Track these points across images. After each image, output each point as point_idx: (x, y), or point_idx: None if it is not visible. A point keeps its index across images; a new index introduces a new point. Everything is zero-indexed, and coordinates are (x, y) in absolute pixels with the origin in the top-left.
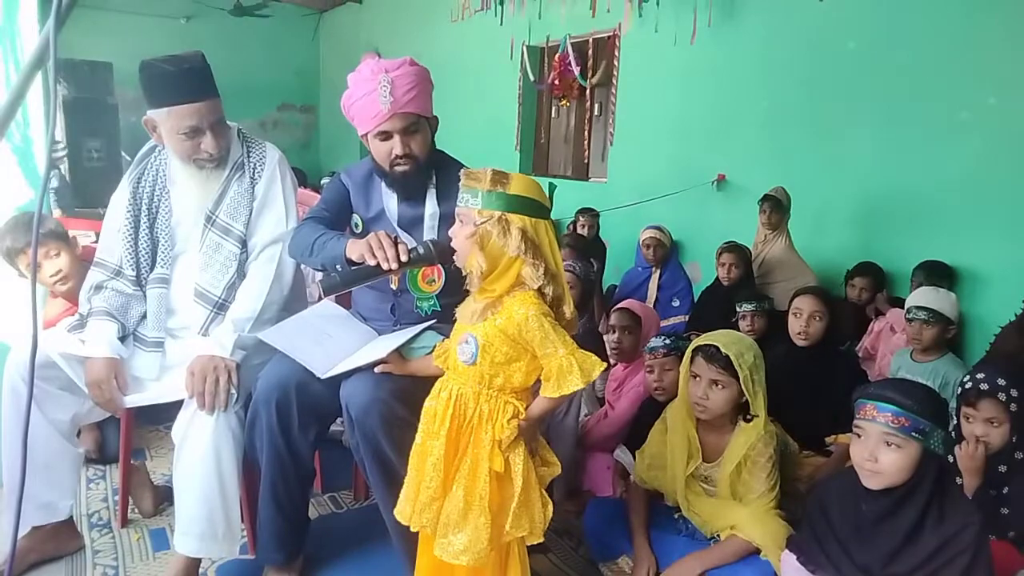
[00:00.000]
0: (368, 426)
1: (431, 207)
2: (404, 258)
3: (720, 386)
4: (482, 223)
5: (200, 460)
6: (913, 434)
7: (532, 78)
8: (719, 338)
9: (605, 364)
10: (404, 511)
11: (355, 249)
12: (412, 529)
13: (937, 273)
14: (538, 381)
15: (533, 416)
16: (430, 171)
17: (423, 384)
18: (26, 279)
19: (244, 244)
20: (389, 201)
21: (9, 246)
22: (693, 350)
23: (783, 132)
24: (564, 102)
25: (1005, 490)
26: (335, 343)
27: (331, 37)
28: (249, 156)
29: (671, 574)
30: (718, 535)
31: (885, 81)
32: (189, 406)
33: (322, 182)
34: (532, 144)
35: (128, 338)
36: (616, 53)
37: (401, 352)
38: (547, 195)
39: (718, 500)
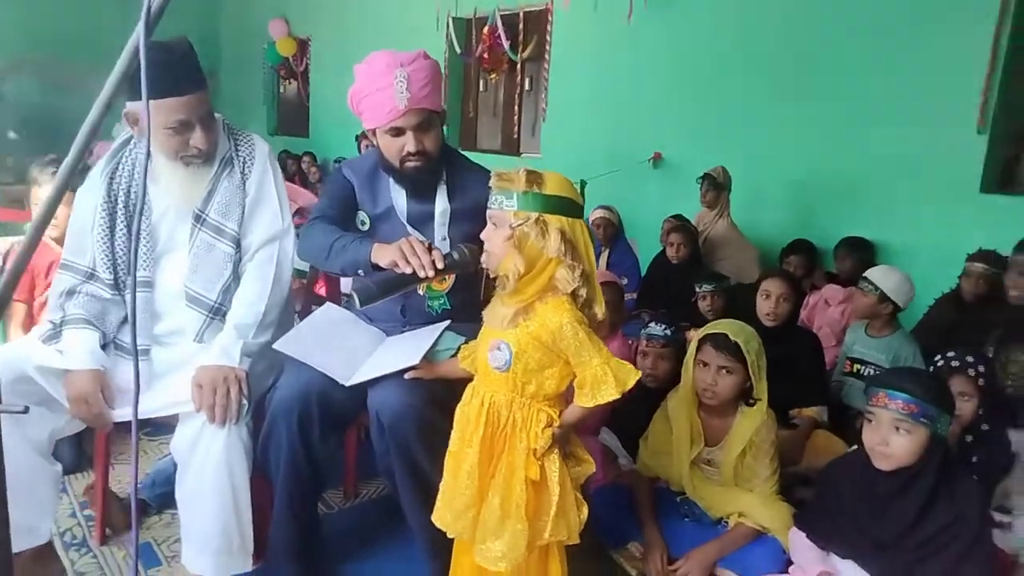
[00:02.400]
0: (402, 434)
1: (442, 204)
2: (440, 265)
3: (728, 372)
4: (519, 225)
5: (212, 476)
6: (922, 420)
7: (459, 51)
8: (726, 327)
9: (640, 373)
10: (443, 517)
11: (384, 255)
12: (449, 535)
13: (858, 247)
14: (570, 386)
15: (567, 424)
16: (440, 167)
17: (453, 388)
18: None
19: (238, 244)
20: (398, 198)
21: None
22: (701, 339)
23: (719, 111)
24: (493, 76)
25: (973, 459)
26: (351, 348)
27: (232, 1)
28: (237, 150)
29: (688, 563)
30: (724, 520)
31: (817, 63)
32: (191, 420)
33: None
34: (460, 118)
35: (109, 346)
36: (548, 28)
37: (426, 356)
38: (579, 193)
39: (723, 485)
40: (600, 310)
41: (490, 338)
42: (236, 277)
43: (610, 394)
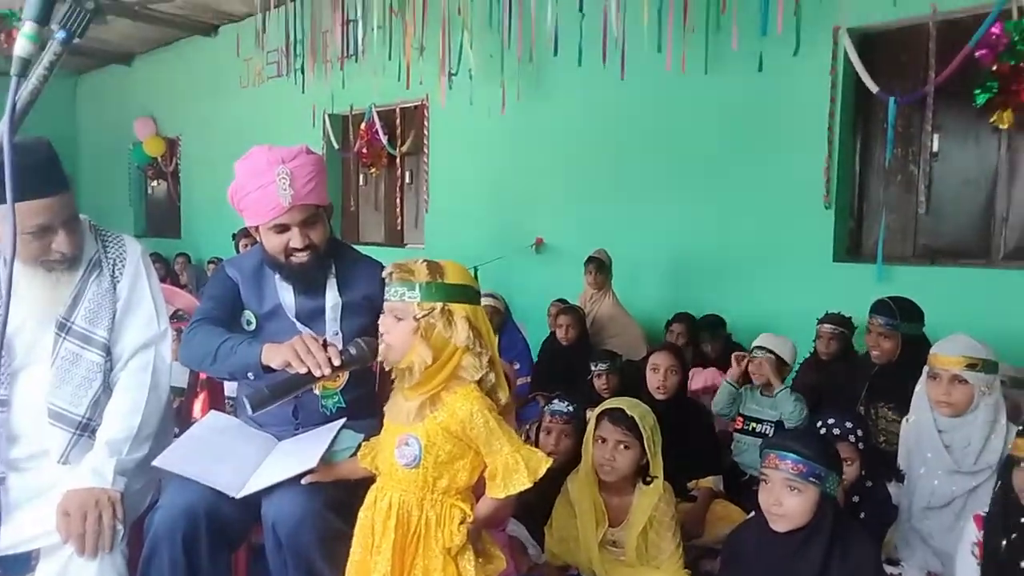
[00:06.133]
0: (302, 544)
1: (332, 298)
2: (337, 362)
3: (625, 447)
4: (424, 316)
5: None
6: (811, 479)
7: (336, 147)
8: (622, 402)
9: (551, 461)
10: None
11: (276, 355)
12: None
13: (719, 325)
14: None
15: (480, 518)
16: (329, 261)
17: (354, 490)
18: None
19: (109, 352)
20: (285, 294)
21: None
22: (599, 415)
23: (595, 197)
24: (373, 170)
25: (861, 515)
26: (240, 457)
27: (92, 100)
28: (106, 252)
29: None
30: None
31: (683, 149)
32: (57, 552)
33: None
34: (341, 212)
35: None
36: (425, 122)
37: (323, 457)
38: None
39: (631, 566)
40: (504, 394)
41: (396, 434)
42: (107, 388)
43: (522, 483)
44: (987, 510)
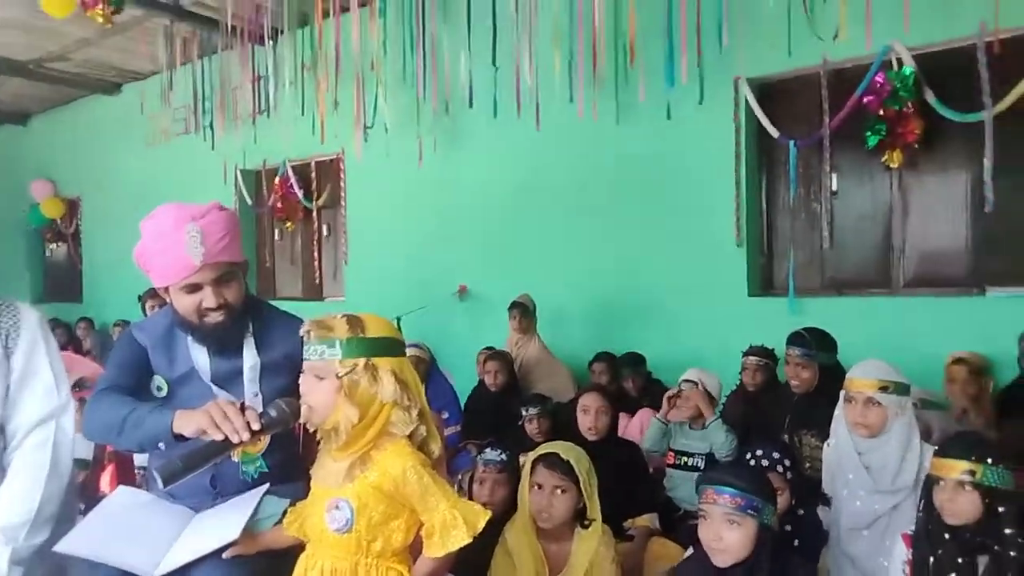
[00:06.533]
0: None
1: (250, 358)
2: (256, 426)
3: (562, 491)
4: (347, 373)
5: None
6: (749, 512)
7: (250, 202)
8: (556, 447)
9: (490, 514)
10: None
11: (189, 422)
12: None
13: (631, 361)
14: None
15: None
16: (246, 319)
17: (281, 559)
18: None
19: (2, 430)
20: (199, 356)
21: None
22: (534, 461)
23: (516, 243)
24: (289, 225)
25: (796, 543)
26: (153, 533)
27: None
28: None
29: None
30: None
31: (601, 196)
32: None
33: None
34: (256, 268)
35: None
36: (342, 175)
37: (246, 527)
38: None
39: None
40: (437, 446)
41: (325, 498)
42: (1, 470)
43: (461, 539)
44: (913, 528)
